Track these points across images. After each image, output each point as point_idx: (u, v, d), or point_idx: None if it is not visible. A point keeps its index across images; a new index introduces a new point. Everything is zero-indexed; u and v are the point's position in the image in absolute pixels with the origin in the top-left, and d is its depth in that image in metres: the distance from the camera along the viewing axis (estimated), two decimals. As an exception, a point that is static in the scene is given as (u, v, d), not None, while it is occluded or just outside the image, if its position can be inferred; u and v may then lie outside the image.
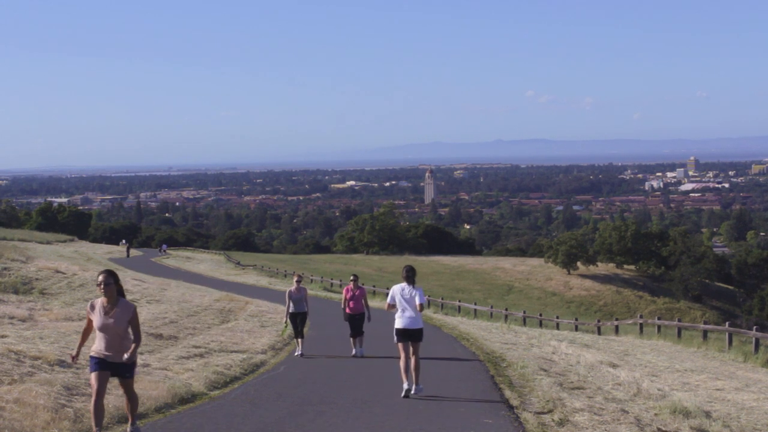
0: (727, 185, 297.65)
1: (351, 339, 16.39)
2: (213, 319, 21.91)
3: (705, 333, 25.64)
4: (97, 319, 8.21)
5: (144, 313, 20.61)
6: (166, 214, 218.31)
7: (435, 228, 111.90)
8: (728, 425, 10.73)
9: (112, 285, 8.23)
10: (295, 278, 17.01)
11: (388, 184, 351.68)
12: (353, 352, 16.17)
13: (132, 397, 8.54)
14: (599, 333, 30.99)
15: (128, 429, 8.55)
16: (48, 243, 62.95)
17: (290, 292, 16.67)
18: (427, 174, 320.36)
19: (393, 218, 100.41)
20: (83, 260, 46.31)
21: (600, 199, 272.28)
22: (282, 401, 11.08)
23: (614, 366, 15.60)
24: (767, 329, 33.52)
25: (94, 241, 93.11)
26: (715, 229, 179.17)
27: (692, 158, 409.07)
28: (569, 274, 77.30)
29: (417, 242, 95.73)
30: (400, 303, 11.43)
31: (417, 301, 11.29)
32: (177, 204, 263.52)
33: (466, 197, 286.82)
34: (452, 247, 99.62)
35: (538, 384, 12.27)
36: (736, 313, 65.82)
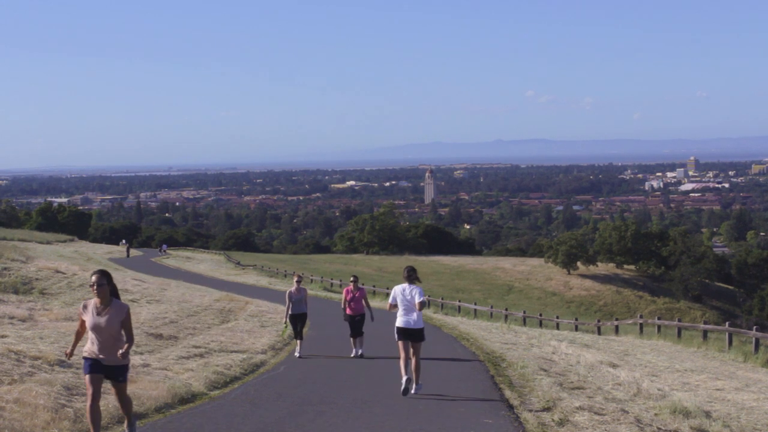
0: (727, 185, 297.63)
1: (351, 339, 16.39)
2: (213, 319, 21.91)
3: (705, 333, 25.64)
4: (89, 319, 8.09)
5: (144, 313, 20.61)
6: (166, 214, 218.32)
7: (435, 228, 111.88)
8: (728, 425, 10.72)
9: (105, 286, 8.08)
10: (295, 278, 16.99)
11: (388, 184, 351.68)
12: (353, 352, 16.17)
13: (125, 402, 8.40)
14: (599, 333, 30.98)
15: (125, 430, 8.50)
16: (48, 243, 62.95)
17: (290, 292, 16.65)
18: (427, 174, 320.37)
19: (393, 218, 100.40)
20: (83, 260, 46.31)
21: (600, 199, 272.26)
22: (282, 401, 11.08)
23: (614, 366, 15.60)
24: (767, 329, 33.52)
25: (94, 241, 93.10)
26: (715, 229, 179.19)
27: (692, 158, 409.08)
28: (569, 274, 77.29)
29: (417, 242, 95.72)
30: (402, 303, 11.57)
31: (416, 299, 11.41)
32: (177, 204, 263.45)
33: (466, 197, 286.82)
34: (452, 247, 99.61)
35: (538, 384, 12.26)
36: (736, 313, 65.82)
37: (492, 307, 39.16)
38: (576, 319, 36.67)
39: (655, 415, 10.50)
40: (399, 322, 11.56)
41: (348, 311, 16.35)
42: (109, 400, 9.81)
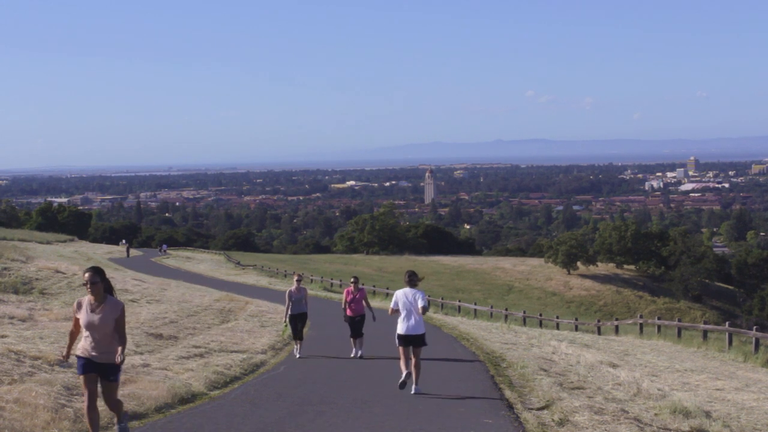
0: (727, 185, 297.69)
1: (351, 340, 16.38)
2: (213, 319, 21.91)
3: (705, 333, 25.64)
4: (83, 316, 7.95)
5: (144, 313, 20.61)
6: (166, 214, 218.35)
7: (435, 228, 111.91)
8: (728, 425, 10.72)
9: (98, 284, 7.92)
10: (296, 278, 16.96)
11: (388, 184, 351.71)
12: (353, 353, 16.16)
13: (114, 402, 8.10)
14: (599, 333, 30.98)
15: (116, 429, 8.32)
16: (48, 243, 62.96)
17: (290, 291, 16.63)
18: (427, 174, 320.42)
19: (393, 218, 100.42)
20: (83, 260, 46.31)
21: (600, 199, 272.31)
22: (282, 401, 11.08)
23: (614, 366, 15.60)
24: (767, 329, 33.53)
25: (94, 241, 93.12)
26: (715, 229, 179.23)
27: (692, 158, 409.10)
28: (569, 274, 77.31)
29: (417, 242, 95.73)
30: (404, 307, 11.62)
31: (419, 304, 11.45)
32: (177, 204, 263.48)
33: (466, 197, 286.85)
34: (452, 247, 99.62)
35: (538, 384, 12.27)
36: (736, 313, 65.84)
37: (492, 307, 39.16)
38: (576, 319, 36.67)
39: (655, 415, 10.50)
40: (400, 328, 11.62)
41: (348, 312, 16.33)
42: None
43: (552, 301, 70.01)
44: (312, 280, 53.00)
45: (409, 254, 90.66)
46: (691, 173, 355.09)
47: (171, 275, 43.17)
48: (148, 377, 11.71)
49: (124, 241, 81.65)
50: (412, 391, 11.45)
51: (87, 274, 7.93)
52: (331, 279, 53.95)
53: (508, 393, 11.63)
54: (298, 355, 16.04)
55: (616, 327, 30.76)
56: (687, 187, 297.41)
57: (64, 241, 71.74)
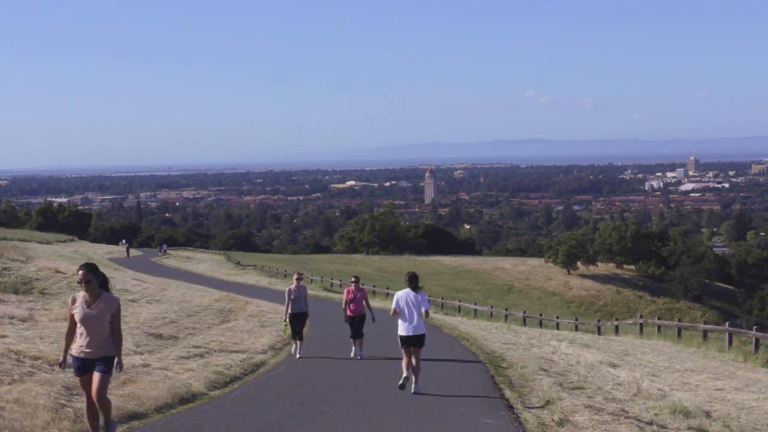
0: (727, 185, 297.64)
1: (351, 340, 16.35)
2: (213, 319, 21.91)
3: (705, 333, 25.64)
4: (78, 311, 7.79)
5: (144, 313, 20.61)
6: (166, 214, 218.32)
7: (435, 228, 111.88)
8: (728, 425, 10.73)
9: (93, 281, 7.76)
10: (295, 276, 16.87)
11: (388, 184, 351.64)
12: (353, 353, 16.13)
13: (102, 400, 7.78)
14: (599, 333, 30.98)
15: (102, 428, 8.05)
16: (48, 243, 62.94)
17: (290, 289, 16.54)
18: (427, 174, 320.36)
19: (393, 218, 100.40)
20: (83, 260, 46.25)
21: (600, 199, 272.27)
22: (282, 401, 11.08)
23: (614, 366, 15.60)
24: (767, 329, 33.52)
25: (94, 241, 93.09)
26: (715, 229, 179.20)
27: (692, 158, 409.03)
28: (569, 274, 77.29)
29: (417, 242, 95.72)
30: (406, 309, 11.85)
31: (424, 308, 11.80)
32: (177, 204, 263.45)
33: (466, 197, 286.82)
34: (452, 247, 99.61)
35: (538, 384, 12.27)
36: (736, 313, 65.82)
37: (492, 307, 39.15)
38: (576, 319, 36.67)
39: (655, 415, 10.50)
40: (401, 330, 11.90)
41: (348, 312, 16.29)
42: (110, 399, 9.81)
43: (552, 301, 70.00)
44: (312, 280, 52.98)
45: (409, 254, 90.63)
46: (691, 173, 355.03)
47: (171, 275, 43.16)
48: (148, 377, 11.70)
49: (124, 241, 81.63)
50: (412, 390, 11.54)
51: (80, 272, 7.77)
52: (331, 279, 53.94)
53: (508, 393, 11.64)
54: (297, 355, 16.01)
55: (616, 327, 30.76)
56: (687, 187, 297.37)
57: (64, 241, 71.72)
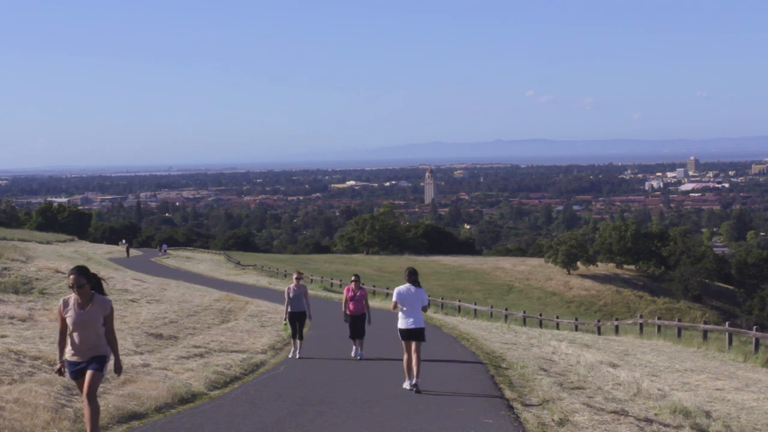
0: (727, 185, 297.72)
1: (351, 340, 16.29)
2: (213, 319, 21.91)
3: (705, 333, 25.65)
4: (71, 314, 7.68)
5: (144, 313, 20.61)
6: (166, 214, 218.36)
7: (435, 228, 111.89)
8: (728, 425, 10.73)
9: (85, 286, 7.63)
10: (295, 275, 16.83)
11: (388, 184, 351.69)
12: (353, 353, 16.09)
13: (92, 401, 7.61)
14: (599, 333, 30.98)
15: None
16: (48, 243, 62.94)
17: (289, 288, 16.51)
18: (427, 174, 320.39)
19: (393, 218, 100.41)
20: (83, 260, 46.29)
21: (600, 199, 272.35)
22: (282, 401, 11.08)
23: (614, 366, 15.60)
24: (767, 329, 33.53)
25: (94, 241, 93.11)
26: (715, 229, 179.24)
27: (692, 158, 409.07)
28: (569, 274, 77.30)
29: (417, 242, 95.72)
30: (406, 303, 12.08)
31: (424, 303, 12.14)
32: (177, 204, 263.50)
33: (466, 197, 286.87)
34: (452, 247, 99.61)
35: (538, 384, 12.27)
36: (736, 313, 65.84)
37: (492, 307, 39.15)
38: (576, 319, 36.67)
39: (655, 415, 10.50)
40: (402, 324, 12.13)
41: (348, 311, 16.19)
42: (109, 400, 9.83)
43: (552, 301, 70.00)
44: (312, 280, 52.99)
45: (409, 254, 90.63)
46: (691, 173, 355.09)
47: (171, 275, 43.15)
48: (148, 377, 11.71)
49: (124, 241, 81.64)
50: (413, 382, 11.70)
51: (71, 277, 7.62)
52: (331, 279, 53.94)
53: (508, 393, 11.63)
54: (297, 355, 15.98)
55: (616, 327, 30.77)
56: (687, 187, 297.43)
57: (64, 241, 71.73)
